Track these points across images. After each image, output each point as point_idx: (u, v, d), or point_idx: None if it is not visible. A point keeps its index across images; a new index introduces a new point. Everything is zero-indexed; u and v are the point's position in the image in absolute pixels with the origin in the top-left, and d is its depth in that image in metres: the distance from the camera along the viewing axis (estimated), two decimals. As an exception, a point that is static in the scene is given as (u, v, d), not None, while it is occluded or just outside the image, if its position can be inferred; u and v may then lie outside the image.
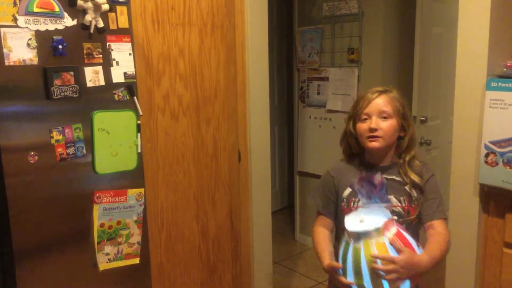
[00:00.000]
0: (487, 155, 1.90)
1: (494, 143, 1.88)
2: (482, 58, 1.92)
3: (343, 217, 1.35)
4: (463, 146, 2.03)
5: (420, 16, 3.03)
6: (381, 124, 1.44)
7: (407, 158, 1.50)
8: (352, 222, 1.30)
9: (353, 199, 1.48)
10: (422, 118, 3.15)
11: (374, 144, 1.44)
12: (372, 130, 1.43)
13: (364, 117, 1.46)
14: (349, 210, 1.45)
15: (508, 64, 1.91)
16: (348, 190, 1.50)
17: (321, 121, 3.58)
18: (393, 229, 1.27)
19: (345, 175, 1.54)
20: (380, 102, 1.46)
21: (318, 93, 3.56)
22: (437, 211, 1.48)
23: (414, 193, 1.47)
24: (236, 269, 2.53)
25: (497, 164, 1.88)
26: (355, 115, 1.50)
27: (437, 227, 1.45)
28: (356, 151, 1.55)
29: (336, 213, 1.55)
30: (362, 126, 1.46)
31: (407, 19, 3.19)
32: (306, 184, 3.82)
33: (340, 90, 3.39)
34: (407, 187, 1.47)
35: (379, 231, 1.24)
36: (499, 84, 1.86)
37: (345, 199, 1.51)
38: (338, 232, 1.55)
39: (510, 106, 1.83)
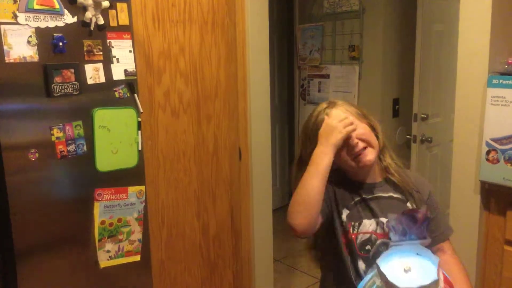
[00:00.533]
0: (488, 153, 1.90)
1: (495, 140, 1.88)
2: (484, 55, 1.92)
3: (343, 245, 1.23)
4: (464, 144, 2.02)
5: (421, 13, 3.02)
6: (356, 132, 1.24)
7: (389, 160, 1.33)
8: (395, 271, 1.00)
9: (352, 223, 1.27)
10: (423, 116, 3.15)
11: (368, 157, 1.24)
12: (354, 143, 1.23)
13: None
14: (350, 237, 1.26)
15: (510, 61, 1.90)
16: (345, 212, 1.29)
17: (322, 119, 3.57)
18: (441, 275, 1.03)
19: (345, 191, 1.31)
20: (336, 114, 1.26)
21: (319, 91, 3.55)
22: (445, 230, 1.34)
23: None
24: (237, 267, 2.53)
25: (498, 161, 1.88)
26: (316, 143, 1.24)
27: (447, 250, 1.31)
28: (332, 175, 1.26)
29: (329, 234, 1.30)
30: (341, 156, 1.25)
31: (408, 16, 3.18)
32: (307, 181, 3.81)
33: (341, 87, 3.39)
34: (409, 204, 1.30)
35: (437, 284, 0.98)
36: (501, 81, 1.86)
37: (344, 221, 1.28)
38: (334, 269, 1.33)
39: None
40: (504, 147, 1.86)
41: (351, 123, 1.21)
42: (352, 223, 1.26)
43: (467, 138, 2.00)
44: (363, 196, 1.29)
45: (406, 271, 0.99)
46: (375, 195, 1.30)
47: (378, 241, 1.25)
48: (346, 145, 1.23)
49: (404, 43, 3.25)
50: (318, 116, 1.27)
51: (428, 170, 3.32)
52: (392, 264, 1.02)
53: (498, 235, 1.96)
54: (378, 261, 1.05)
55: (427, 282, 0.94)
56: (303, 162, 1.27)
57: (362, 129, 1.25)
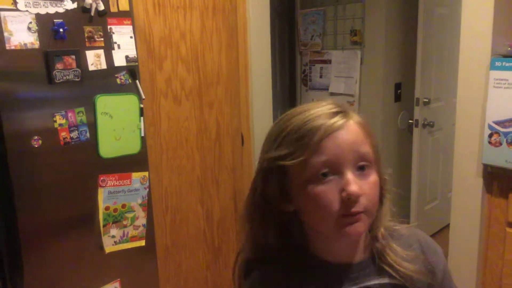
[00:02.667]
0: (490, 135, 1.90)
1: (498, 123, 1.87)
2: (486, 37, 1.90)
3: None
4: (466, 127, 2.02)
5: (424, -4, 3.00)
6: (363, 184, 0.71)
7: (380, 236, 0.80)
8: None
9: None
10: (425, 100, 3.14)
11: (358, 227, 0.71)
12: (353, 198, 0.70)
13: (324, 170, 0.70)
14: None
15: (513, 43, 1.89)
16: None
17: (324, 105, 3.56)
18: None
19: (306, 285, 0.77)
20: (352, 137, 0.72)
21: (321, 76, 3.54)
22: None
23: None
24: (241, 252, 2.55)
25: (500, 144, 1.88)
26: (291, 161, 0.72)
27: None
28: (282, 246, 0.79)
29: None
30: (326, 193, 0.70)
31: (410, -1, 3.16)
32: (309, 167, 3.82)
33: (343, 72, 3.37)
34: None
35: None
36: (503, 63, 1.85)
37: None
38: None
39: (514, 86, 1.82)
40: (506, 129, 1.85)
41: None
42: None
43: (470, 121, 2.00)
44: None
45: None
46: (363, 284, 0.78)
47: None
48: (333, 185, 0.71)
49: (406, 27, 3.22)
50: (319, 118, 0.72)
51: (430, 155, 3.32)
52: None
53: (501, 217, 1.96)
54: None
55: None
56: (262, 213, 0.79)
57: (371, 180, 0.73)
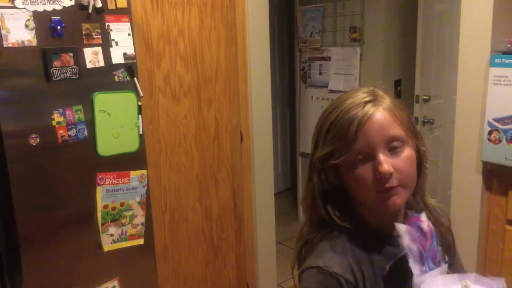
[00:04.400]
0: (490, 133, 1.89)
1: (497, 120, 1.87)
2: (486, 34, 1.90)
3: None
4: (466, 124, 2.01)
5: (423, -7, 2.99)
6: (395, 162, 0.83)
7: (428, 201, 0.95)
8: None
9: None
10: (425, 97, 3.13)
11: (395, 200, 0.84)
12: (385, 177, 0.82)
13: (360, 157, 0.84)
14: None
15: (513, 40, 1.89)
16: None
17: (323, 102, 3.56)
18: None
19: (368, 266, 0.88)
20: (382, 123, 0.83)
21: (320, 73, 3.53)
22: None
23: (446, 258, 0.95)
24: (240, 249, 2.55)
25: (500, 141, 1.87)
26: (337, 159, 0.85)
27: None
28: (339, 217, 0.90)
29: None
30: (363, 175, 0.84)
31: (409, -4, 3.14)
32: (309, 165, 3.82)
33: (342, 69, 3.36)
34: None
35: None
36: (503, 60, 1.84)
37: None
38: None
39: (514, 83, 1.82)
40: (506, 127, 1.85)
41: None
42: None
43: (469, 118, 1.99)
44: (397, 256, 0.89)
45: None
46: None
47: None
48: (369, 167, 0.84)
49: (406, 24, 3.21)
50: (353, 110, 0.84)
51: (430, 152, 3.31)
52: None
53: (500, 215, 1.96)
54: None
55: None
56: (318, 195, 0.90)
57: (404, 157, 0.84)
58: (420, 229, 0.86)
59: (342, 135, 0.83)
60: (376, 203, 0.85)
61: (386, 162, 0.82)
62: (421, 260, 0.84)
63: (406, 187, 0.85)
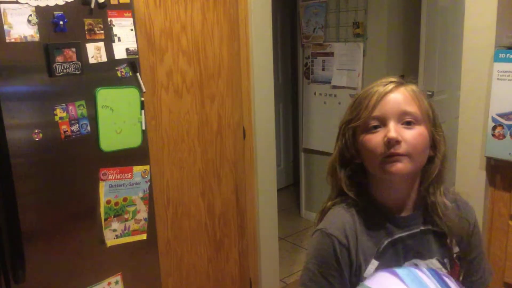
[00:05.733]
0: (494, 128, 1.88)
1: (501, 115, 1.86)
2: (490, 29, 1.88)
3: None
4: (470, 119, 2.01)
5: (427, -12, 2.97)
6: (405, 133, 0.90)
7: (439, 194, 0.98)
8: None
9: None
10: (428, 93, 3.12)
11: (398, 166, 0.89)
12: (392, 142, 0.89)
13: (374, 123, 0.92)
14: None
15: (517, 34, 1.87)
16: (374, 265, 0.95)
17: (326, 98, 3.55)
18: None
19: (364, 237, 0.96)
20: (399, 98, 0.92)
21: (323, 69, 3.52)
22: (485, 274, 1.05)
23: (456, 249, 1.00)
24: (243, 245, 2.55)
25: (504, 136, 1.86)
26: (355, 122, 0.95)
27: None
28: (350, 188, 0.99)
29: None
30: (373, 139, 0.92)
31: (413, -9, 3.13)
32: (311, 161, 3.82)
33: (345, 65, 3.35)
34: (448, 241, 0.99)
35: None
36: (507, 55, 1.83)
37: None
38: None
39: (519, 78, 1.81)
40: (510, 122, 1.84)
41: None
42: None
43: (473, 114, 1.98)
44: (396, 235, 0.96)
45: None
46: (413, 231, 0.97)
47: None
48: (380, 133, 0.92)
49: (409, 19, 3.19)
50: (379, 86, 0.96)
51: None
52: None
53: (504, 210, 1.95)
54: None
55: None
56: (339, 160, 1.00)
57: (414, 132, 0.91)
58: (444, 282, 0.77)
59: (365, 103, 0.93)
60: (381, 168, 0.91)
61: (395, 130, 0.90)
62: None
63: (412, 161, 0.90)
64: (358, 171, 0.99)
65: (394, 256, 0.95)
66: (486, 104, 1.92)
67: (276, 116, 2.79)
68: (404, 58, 3.25)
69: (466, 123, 2.03)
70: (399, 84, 0.95)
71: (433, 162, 0.96)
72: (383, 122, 0.92)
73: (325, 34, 3.44)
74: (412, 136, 0.90)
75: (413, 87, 0.96)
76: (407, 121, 0.91)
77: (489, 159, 1.95)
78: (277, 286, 2.84)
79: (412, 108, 0.92)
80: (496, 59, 1.86)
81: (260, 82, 2.51)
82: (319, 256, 0.96)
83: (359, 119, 0.94)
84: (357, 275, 0.94)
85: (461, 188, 2.09)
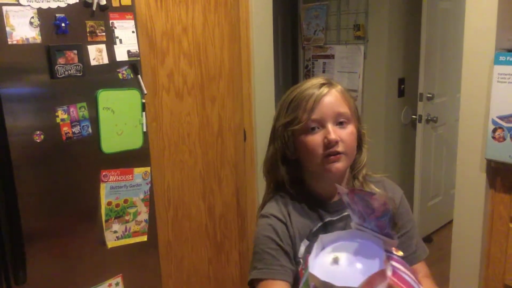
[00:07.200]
0: (494, 130, 1.89)
1: (502, 118, 1.86)
2: (490, 31, 1.89)
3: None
4: (470, 122, 2.01)
5: (427, -9, 2.98)
6: (341, 133, 1.01)
7: (361, 177, 1.10)
8: (323, 261, 0.82)
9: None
10: (428, 95, 3.13)
11: (337, 166, 1.00)
12: (332, 144, 0.99)
13: (313, 125, 1.01)
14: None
15: (517, 37, 1.88)
16: (304, 244, 1.04)
17: (327, 100, 3.55)
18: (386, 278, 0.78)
19: (298, 219, 1.05)
20: (333, 101, 1.02)
21: (324, 71, 3.52)
22: (418, 249, 1.12)
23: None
24: (243, 247, 2.55)
25: (504, 139, 1.87)
26: (296, 125, 1.02)
27: (421, 270, 1.10)
28: (289, 182, 1.08)
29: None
30: (312, 140, 1.01)
31: (414, -6, 3.13)
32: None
33: (346, 67, 3.36)
34: None
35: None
36: (508, 58, 1.83)
37: (301, 260, 1.02)
38: None
39: (519, 80, 1.81)
40: (510, 124, 1.84)
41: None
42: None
43: (473, 116, 1.99)
44: (327, 219, 1.06)
45: (334, 261, 0.80)
46: (342, 214, 1.06)
47: None
48: (320, 134, 1.01)
49: (410, 22, 3.20)
50: (312, 88, 1.03)
51: (433, 150, 3.31)
52: (323, 252, 0.84)
53: (504, 213, 1.96)
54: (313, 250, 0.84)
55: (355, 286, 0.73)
56: (276, 158, 1.08)
57: (347, 131, 1.02)
58: (366, 202, 0.81)
59: (303, 106, 1.01)
60: (321, 166, 1.01)
61: (334, 132, 1.00)
62: (362, 220, 0.85)
63: (348, 157, 1.03)
64: (294, 166, 1.09)
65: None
66: (486, 106, 1.92)
67: (277, 118, 2.79)
68: (405, 60, 3.25)
69: (466, 126, 2.03)
70: (330, 86, 1.04)
71: (361, 151, 1.09)
72: (321, 124, 1.01)
73: (325, 36, 3.45)
74: (346, 135, 1.02)
75: (341, 87, 1.06)
76: (341, 121, 1.02)
77: (489, 162, 1.95)
78: None
79: (344, 108, 1.02)
80: (497, 61, 1.86)
81: (260, 84, 2.52)
82: (261, 237, 1.04)
83: (300, 122, 1.02)
84: (295, 255, 1.03)
85: (461, 190, 2.09)
